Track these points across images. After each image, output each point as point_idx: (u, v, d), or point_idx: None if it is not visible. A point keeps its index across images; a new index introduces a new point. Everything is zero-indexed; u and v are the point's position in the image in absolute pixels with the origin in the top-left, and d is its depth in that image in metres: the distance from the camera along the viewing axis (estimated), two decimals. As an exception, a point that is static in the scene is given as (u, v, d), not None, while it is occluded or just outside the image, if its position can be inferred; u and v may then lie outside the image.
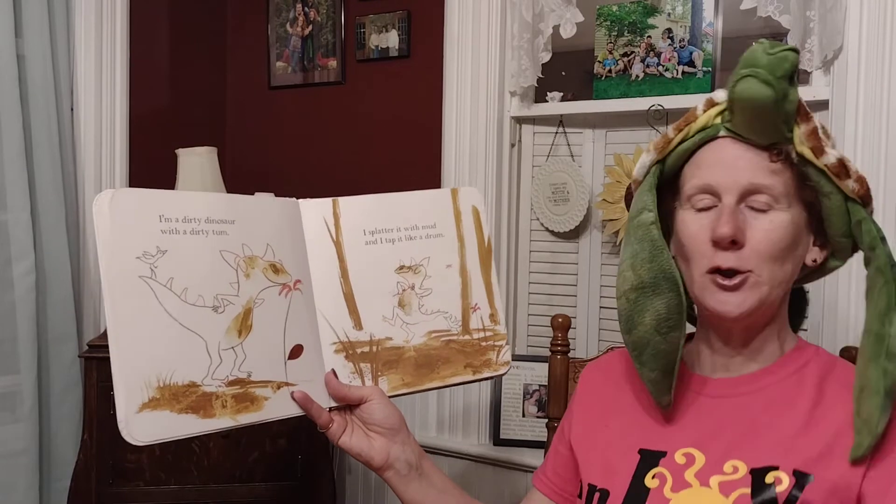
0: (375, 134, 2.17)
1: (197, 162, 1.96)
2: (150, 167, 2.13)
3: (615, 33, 1.82)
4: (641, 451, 0.88)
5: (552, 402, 1.37)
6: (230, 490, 1.72)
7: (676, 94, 1.73)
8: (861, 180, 0.82)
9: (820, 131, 0.81)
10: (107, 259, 0.78)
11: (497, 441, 1.94)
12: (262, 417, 0.86)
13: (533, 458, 1.82)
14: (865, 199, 0.83)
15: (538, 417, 1.91)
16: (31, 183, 1.83)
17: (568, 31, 1.82)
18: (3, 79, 1.76)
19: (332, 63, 2.22)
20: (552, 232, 1.98)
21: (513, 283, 2.00)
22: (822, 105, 1.56)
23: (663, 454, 0.86)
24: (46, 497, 1.87)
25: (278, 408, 0.88)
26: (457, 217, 1.02)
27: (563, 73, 1.95)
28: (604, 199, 1.83)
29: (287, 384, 0.89)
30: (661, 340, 0.85)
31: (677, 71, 1.74)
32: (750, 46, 0.78)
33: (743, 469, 0.80)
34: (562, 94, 1.92)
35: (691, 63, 1.73)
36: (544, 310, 1.99)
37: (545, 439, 1.38)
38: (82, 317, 1.97)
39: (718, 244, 0.82)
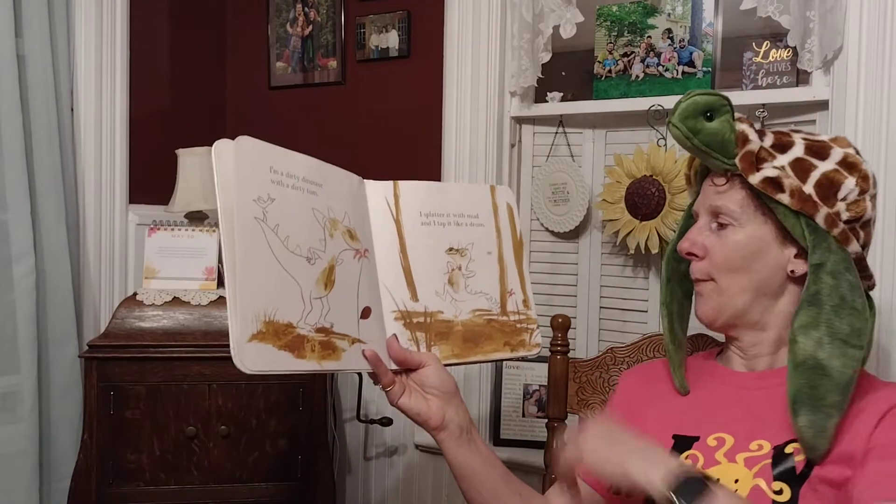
0: (375, 134, 2.17)
1: (197, 162, 1.96)
2: (150, 167, 2.13)
3: (615, 33, 1.82)
4: (676, 437, 0.98)
5: (552, 402, 1.36)
6: (230, 490, 1.72)
7: (676, 95, 1.73)
8: (794, 193, 0.90)
9: (764, 151, 0.92)
10: (228, 197, 0.84)
11: (497, 441, 1.94)
12: (340, 366, 0.93)
13: (533, 458, 1.82)
14: (805, 210, 0.91)
15: (538, 417, 1.91)
16: (31, 183, 1.83)
17: (568, 32, 1.82)
18: (3, 79, 1.76)
19: (332, 63, 2.22)
20: (552, 232, 1.98)
21: (513, 284, 2.00)
22: (822, 105, 1.56)
23: (696, 438, 0.96)
24: (46, 497, 1.87)
25: (352, 361, 0.94)
26: (494, 211, 1.13)
27: (563, 74, 1.95)
28: (604, 200, 1.83)
29: (359, 341, 0.95)
30: (662, 328, 1.06)
31: (677, 71, 1.74)
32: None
33: (767, 447, 0.90)
34: (562, 94, 1.92)
35: (691, 63, 1.73)
36: (544, 310, 1.98)
37: (545, 439, 1.38)
38: (82, 317, 1.97)
39: (682, 255, 1.00)
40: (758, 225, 0.95)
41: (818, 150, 0.94)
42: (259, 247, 0.85)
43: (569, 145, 1.94)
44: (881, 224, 1.44)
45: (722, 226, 0.96)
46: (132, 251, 2.08)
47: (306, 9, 2.25)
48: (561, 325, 1.37)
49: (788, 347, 0.89)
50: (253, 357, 0.83)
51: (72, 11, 1.94)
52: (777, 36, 1.64)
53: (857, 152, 0.96)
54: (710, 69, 1.71)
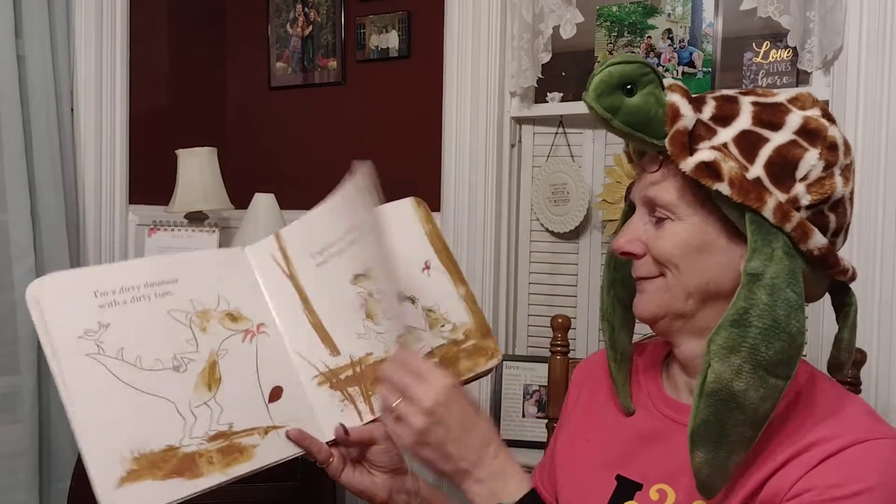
0: (375, 134, 2.17)
1: (197, 162, 1.96)
2: (150, 167, 2.13)
3: (615, 34, 1.82)
4: (619, 479, 0.87)
5: (552, 402, 1.36)
6: (230, 490, 1.71)
7: (676, 95, 1.73)
8: (735, 181, 0.73)
9: (701, 127, 0.76)
10: (49, 345, 0.77)
11: (497, 441, 1.93)
12: (254, 466, 0.85)
13: (533, 458, 1.81)
14: (749, 202, 0.74)
15: (538, 418, 1.91)
16: (31, 183, 1.83)
17: (568, 32, 1.82)
18: (4, 79, 1.76)
19: (333, 63, 2.22)
20: (552, 232, 1.98)
21: (513, 283, 2.00)
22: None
23: (639, 487, 0.85)
24: (46, 497, 1.87)
25: (271, 452, 0.86)
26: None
27: (563, 74, 1.95)
28: (604, 200, 1.83)
29: (274, 427, 0.86)
30: (605, 344, 0.92)
31: (677, 72, 1.74)
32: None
33: None
34: (562, 94, 1.92)
35: (691, 64, 1.73)
36: (544, 310, 1.98)
37: (545, 439, 1.38)
38: (82, 317, 1.97)
39: (616, 255, 0.86)
40: (700, 217, 0.78)
41: (770, 117, 0.77)
42: (101, 383, 0.77)
43: (569, 145, 1.94)
44: (881, 225, 1.43)
45: (660, 220, 0.80)
46: (132, 251, 2.08)
47: (306, 9, 2.25)
48: (561, 326, 1.37)
49: (701, 372, 0.73)
50: (132, 502, 0.75)
51: (72, 11, 1.94)
52: (777, 36, 1.64)
53: (825, 113, 0.78)
54: (710, 69, 1.71)
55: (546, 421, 1.38)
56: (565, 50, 1.88)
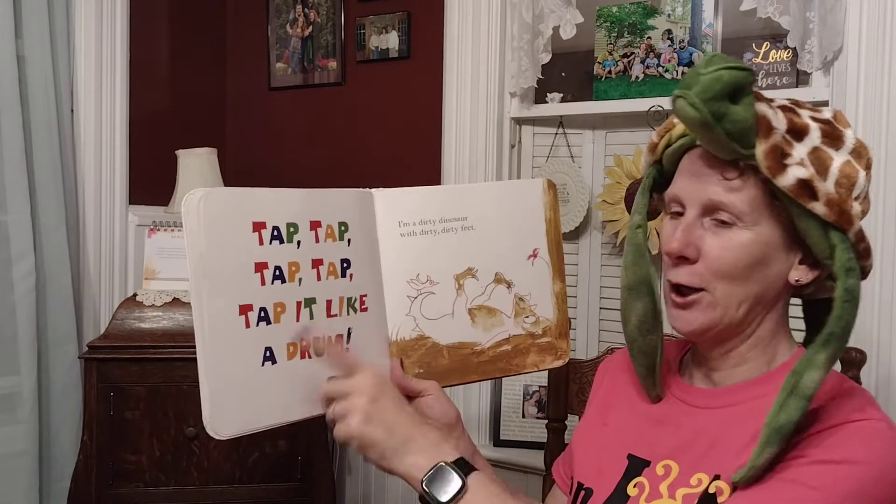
0: (375, 135, 2.17)
1: (197, 163, 1.96)
2: (150, 168, 2.13)
3: (615, 34, 1.82)
4: (630, 457, 0.90)
5: (552, 403, 1.36)
6: (230, 491, 1.72)
7: (676, 95, 1.73)
8: (832, 203, 0.75)
9: (787, 147, 0.76)
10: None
11: (497, 442, 1.93)
12: None
13: (533, 459, 1.82)
14: (841, 224, 0.77)
15: (538, 419, 1.91)
16: (32, 184, 1.83)
17: (568, 32, 1.82)
18: (4, 80, 1.76)
19: (332, 64, 2.22)
20: (552, 233, 1.97)
21: (513, 284, 2.00)
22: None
23: (647, 464, 0.88)
24: (46, 498, 1.87)
25: None
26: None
27: (563, 74, 1.95)
28: (604, 200, 1.83)
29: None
30: (642, 341, 0.90)
31: (677, 72, 1.74)
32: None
33: (706, 481, 0.81)
34: (561, 95, 1.92)
35: (691, 64, 1.73)
36: (544, 310, 1.98)
37: (545, 440, 1.38)
38: (82, 318, 1.97)
39: (670, 258, 0.84)
40: (767, 227, 0.80)
41: (831, 135, 0.79)
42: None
43: (569, 146, 1.94)
44: (881, 224, 1.43)
45: (723, 223, 0.80)
46: (132, 252, 2.08)
47: (306, 10, 2.25)
48: (561, 326, 1.37)
49: (797, 373, 0.75)
50: None
51: (72, 12, 1.95)
52: (777, 37, 1.64)
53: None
54: (710, 70, 1.71)
55: (546, 421, 1.38)
56: (565, 50, 1.88)
